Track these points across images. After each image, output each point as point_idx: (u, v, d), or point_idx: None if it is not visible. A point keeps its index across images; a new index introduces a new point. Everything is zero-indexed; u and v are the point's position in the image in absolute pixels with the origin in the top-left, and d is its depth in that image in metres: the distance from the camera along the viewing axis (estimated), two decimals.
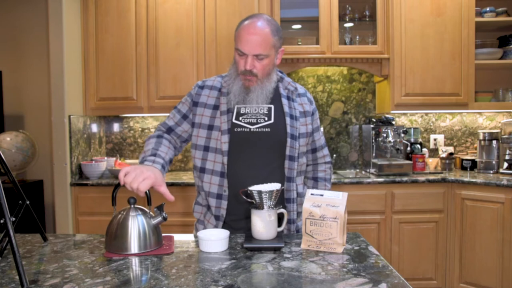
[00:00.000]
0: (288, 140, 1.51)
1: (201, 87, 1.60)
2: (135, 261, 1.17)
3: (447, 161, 3.25)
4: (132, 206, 1.28)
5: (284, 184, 1.51)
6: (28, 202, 1.29)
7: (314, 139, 1.66)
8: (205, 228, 1.56)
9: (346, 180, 2.88)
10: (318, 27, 3.08)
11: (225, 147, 1.48)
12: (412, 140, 3.27)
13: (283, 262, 1.14)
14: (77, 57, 3.09)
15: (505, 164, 3.04)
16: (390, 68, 3.12)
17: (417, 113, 3.49)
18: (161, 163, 1.41)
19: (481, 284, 2.76)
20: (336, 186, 2.82)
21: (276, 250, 1.24)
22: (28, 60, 3.47)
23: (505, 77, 3.46)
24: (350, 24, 3.27)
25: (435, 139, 3.51)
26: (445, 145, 3.52)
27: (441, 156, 3.30)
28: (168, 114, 3.32)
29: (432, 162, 3.30)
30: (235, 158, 1.49)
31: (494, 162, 3.08)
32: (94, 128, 3.34)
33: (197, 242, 1.34)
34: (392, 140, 3.12)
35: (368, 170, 3.25)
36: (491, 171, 3.07)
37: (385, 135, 3.14)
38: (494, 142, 3.08)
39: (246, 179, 1.44)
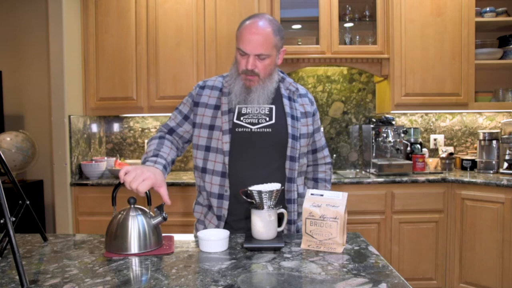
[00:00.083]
0: (289, 140, 1.51)
1: (202, 87, 1.60)
2: (135, 261, 1.17)
3: (447, 161, 3.25)
4: (132, 206, 1.28)
5: (285, 184, 1.51)
6: (28, 202, 1.29)
7: (314, 139, 1.66)
8: (205, 228, 1.56)
9: (346, 180, 2.88)
10: (318, 27, 3.08)
11: (226, 147, 1.48)
12: (412, 140, 3.27)
13: (283, 262, 1.14)
14: (77, 57, 3.09)
15: (505, 164, 3.04)
16: (390, 68, 3.12)
17: (417, 113, 3.49)
18: (163, 163, 1.41)
19: (481, 284, 2.76)
20: (336, 186, 2.82)
21: (276, 250, 1.24)
22: (28, 60, 3.47)
23: (505, 77, 3.46)
24: (350, 24, 3.26)
25: (435, 139, 3.51)
26: (445, 145, 3.52)
27: (441, 156, 3.30)
28: (168, 114, 3.34)
29: (432, 162, 3.31)
30: (236, 158, 1.49)
31: (494, 162, 3.08)
32: (94, 128, 3.34)
33: (197, 242, 1.34)
34: (392, 140, 3.12)
35: (368, 170, 3.25)
36: (491, 171, 3.08)
37: (385, 135, 3.14)
38: (494, 142, 3.08)
39: (247, 179, 1.44)
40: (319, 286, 0.97)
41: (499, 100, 3.29)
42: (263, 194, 1.25)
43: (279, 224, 1.33)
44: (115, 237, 1.23)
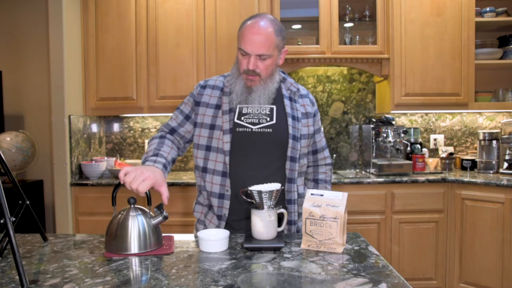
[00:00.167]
0: (290, 141, 1.51)
1: (203, 87, 1.60)
2: (135, 261, 1.17)
3: (447, 161, 3.25)
4: (132, 206, 1.28)
5: (285, 185, 1.51)
6: (28, 202, 1.29)
7: (315, 140, 1.66)
8: (206, 227, 1.56)
9: (346, 180, 2.88)
10: (318, 27, 3.08)
11: (226, 146, 1.48)
12: (412, 140, 3.27)
13: (283, 262, 1.14)
14: (77, 57, 3.09)
15: (505, 164, 3.04)
16: (390, 68, 3.12)
17: (417, 113, 3.49)
18: (163, 162, 1.40)
19: (481, 284, 2.76)
20: (336, 186, 2.82)
21: (276, 250, 1.24)
22: (28, 60, 3.47)
23: (505, 77, 3.46)
24: (350, 24, 3.27)
25: (435, 139, 3.51)
26: (445, 145, 3.52)
27: (441, 156, 3.30)
28: (168, 114, 3.34)
29: (432, 162, 3.31)
30: (237, 158, 1.49)
31: (494, 162, 3.08)
32: (94, 128, 3.34)
33: (197, 242, 1.34)
34: (392, 140, 3.12)
35: (368, 170, 3.25)
36: (491, 171, 3.08)
37: (385, 135, 3.14)
38: (494, 142, 3.09)
39: (247, 179, 1.44)
40: (319, 286, 0.97)
41: (499, 100, 3.29)
42: (263, 194, 1.25)
43: (279, 224, 1.33)
44: (115, 237, 1.23)
